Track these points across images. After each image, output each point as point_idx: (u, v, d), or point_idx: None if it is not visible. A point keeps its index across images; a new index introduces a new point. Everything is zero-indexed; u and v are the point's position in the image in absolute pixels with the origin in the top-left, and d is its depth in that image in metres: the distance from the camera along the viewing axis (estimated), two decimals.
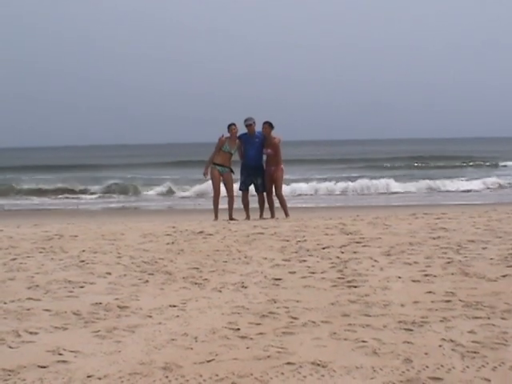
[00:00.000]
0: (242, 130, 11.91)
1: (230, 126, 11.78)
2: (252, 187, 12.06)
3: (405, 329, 4.24)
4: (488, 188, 23.92)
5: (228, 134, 11.80)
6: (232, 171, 11.97)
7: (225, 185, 11.89)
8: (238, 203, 12.13)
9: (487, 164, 39.78)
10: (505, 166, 38.27)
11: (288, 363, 3.63)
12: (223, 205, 12.01)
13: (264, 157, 11.95)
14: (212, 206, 12.09)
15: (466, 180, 25.77)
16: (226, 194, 12.01)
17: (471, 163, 40.34)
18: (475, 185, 24.34)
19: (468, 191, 23.17)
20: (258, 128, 11.87)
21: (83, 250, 7.71)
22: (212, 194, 12.24)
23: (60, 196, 24.32)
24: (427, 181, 24.97)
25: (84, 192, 25.10)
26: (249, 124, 11.75)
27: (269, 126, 11.76)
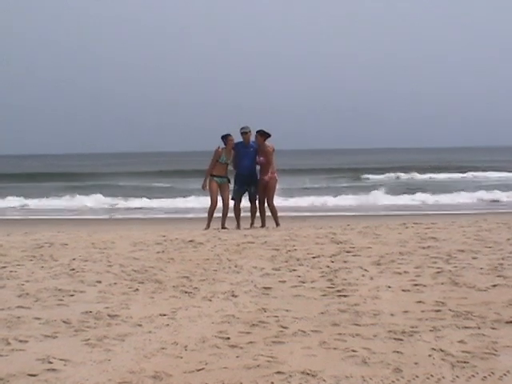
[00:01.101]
0: (236, 138, 11.90)
1: (226, 136, 11.78)
2: (244, 196, 12.05)
3: (395, 338, 4.25)
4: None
5: (223, 145, 11.80)
6: (229, 181, 11.98)
7: (221, 194, 11.89)
8: (230, 212, 12.10)
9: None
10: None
11: (278, 372, 3.63)
12: (216, 214, 11.97)
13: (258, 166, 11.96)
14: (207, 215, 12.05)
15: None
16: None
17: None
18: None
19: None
20: (253, 137, 11.89)
21: (73, 259, 7.69)
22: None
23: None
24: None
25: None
26: (244, 132, 11.76)
27: (261, 135, 11.78)
